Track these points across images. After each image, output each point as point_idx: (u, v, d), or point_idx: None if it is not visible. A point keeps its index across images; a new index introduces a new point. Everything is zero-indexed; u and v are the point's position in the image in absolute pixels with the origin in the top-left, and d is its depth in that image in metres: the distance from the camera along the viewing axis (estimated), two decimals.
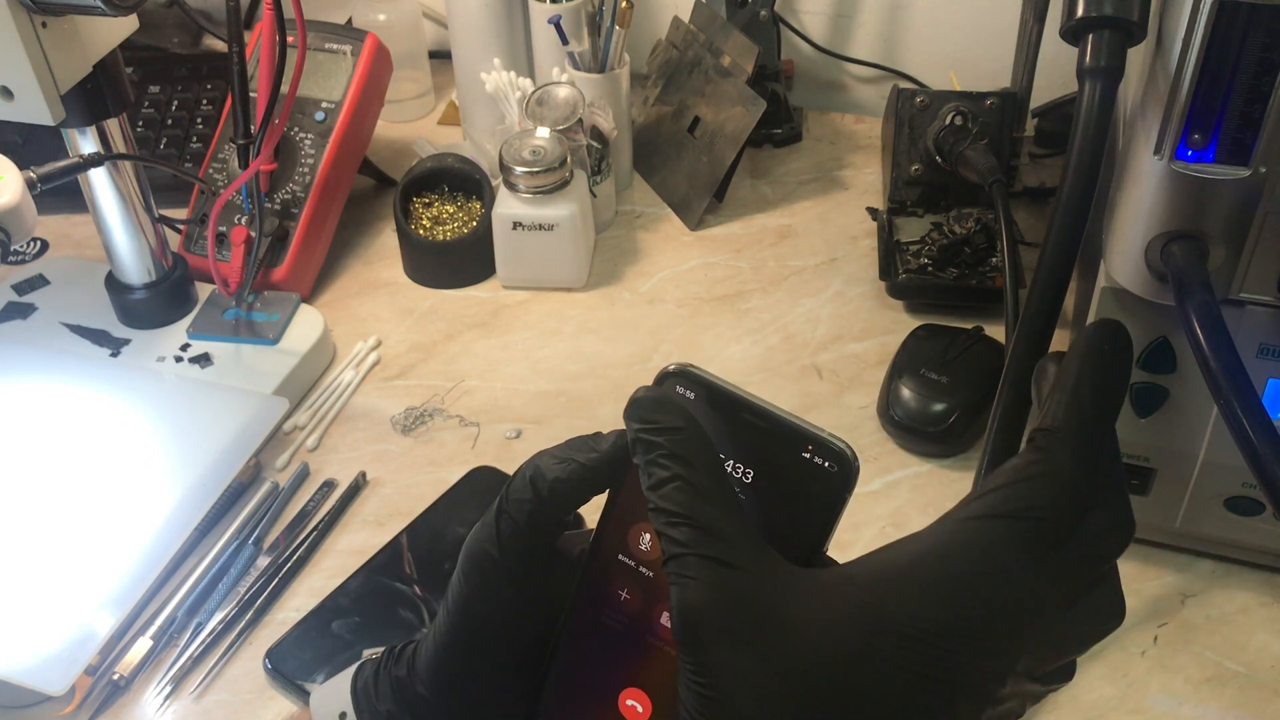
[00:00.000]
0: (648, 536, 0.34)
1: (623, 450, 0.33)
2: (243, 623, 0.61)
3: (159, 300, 0.77)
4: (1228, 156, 0.49)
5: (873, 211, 0.89)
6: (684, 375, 0.33)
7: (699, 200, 0.89)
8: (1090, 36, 0.49)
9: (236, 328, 0.77)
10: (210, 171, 0.84)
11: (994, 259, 0.80)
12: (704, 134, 0.90)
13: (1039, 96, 0.88)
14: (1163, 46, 0.50)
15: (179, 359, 0.75)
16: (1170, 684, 0.57)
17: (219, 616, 0.61)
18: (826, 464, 0.31)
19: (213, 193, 0.81)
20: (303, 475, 0.70)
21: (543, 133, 0.80)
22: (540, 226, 0.80)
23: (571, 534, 0.36)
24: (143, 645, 0.60)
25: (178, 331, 0.77)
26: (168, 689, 0.58)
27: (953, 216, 0.82)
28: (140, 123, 0.93)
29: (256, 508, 0.67)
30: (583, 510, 0.35)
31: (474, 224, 0.85)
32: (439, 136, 1.02)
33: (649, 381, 0.33)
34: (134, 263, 0.76)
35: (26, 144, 0.89)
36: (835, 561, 0.32)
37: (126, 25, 0.67)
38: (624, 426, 0.32)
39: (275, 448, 0.72)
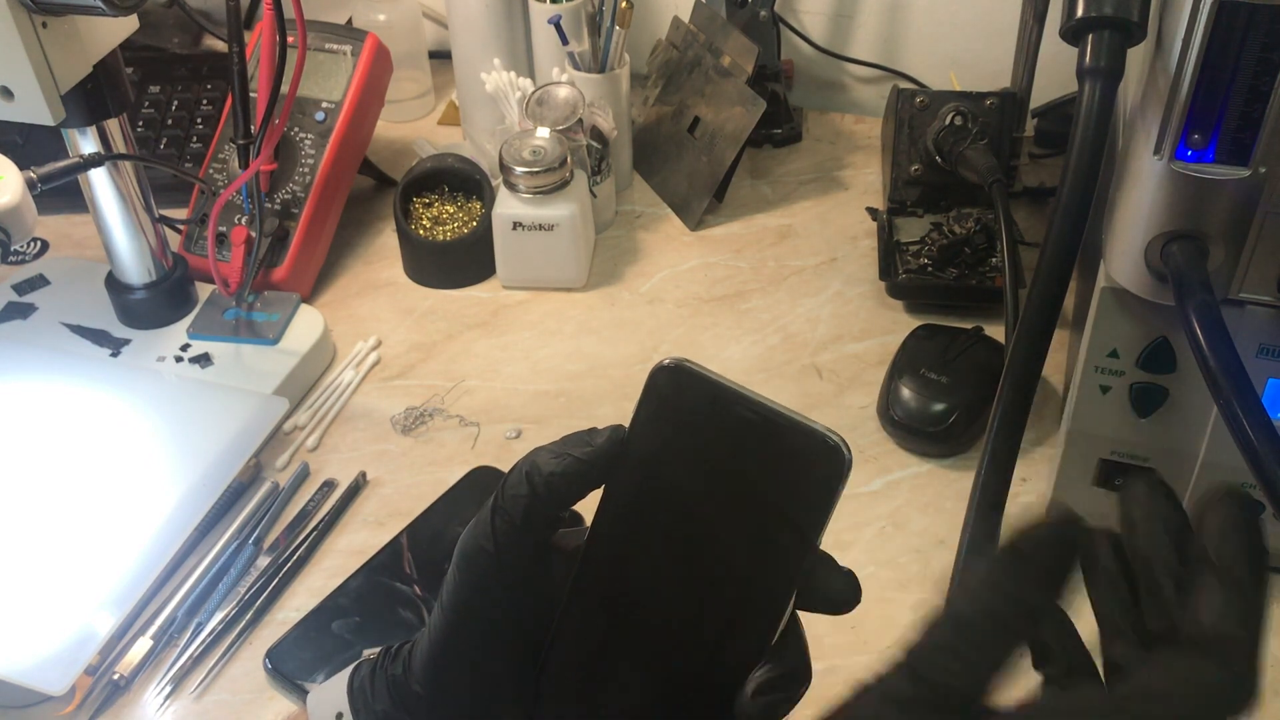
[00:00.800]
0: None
1: (618, 445, 0.33)
2: (243, 623, 0.61)
3: (159, 300, 0.77)
4: (1227, 156, 0.49)
5: (873, 211, 0.89)
6: (679, 370, 0.32)
7: (699, 200, 0.89)
8: (1090, 36, 0.49)
9: (236, 328, 0.77)
10: (210, 172, 0.84)
11: (994, 259, 0.80)
12: (704, 134, 0.90)
13: (1039, 96, 0.88)
14: (1163, 47, 0.50)
15: (179, 359, 0.75)
16: None
17: (219, 616, 0.61)
18: (820, 457, 0.31)
19: (213, 193, 0.81)
20: (303, 475, 0.70)
21: (543, 133, 0.80)
22: (540, 226, 0.80)
23: (567, 531, 0.36)
24: (143, 645, 0.60)
25: (178, 332, 0.77)
26: (168, 689, 0.58)
27: (953, 216, 0.82)
28: (140, 123, 0.93)
29: (256, 507, 0.67)
30: (579, 507, 0.35)
31: (474, 224, 0.85)
32: (439, 136, 1.02)
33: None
34: (134, 263, 0.76)
35: (27, 144, 0.89)
36: (830, 556, 0.32)
37: (127, 25, 0.67)
38: (619, 422, 0.33)
39: (275, 448, 0.72)
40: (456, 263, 0.85)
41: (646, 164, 0.95)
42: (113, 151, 0.70)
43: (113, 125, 0.69)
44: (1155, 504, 0.29)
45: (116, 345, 0.76)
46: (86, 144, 0.69)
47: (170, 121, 0.93)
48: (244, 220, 0.80)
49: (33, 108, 0.63)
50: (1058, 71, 0.88)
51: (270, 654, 0.59)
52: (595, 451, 0.33)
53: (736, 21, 0.93)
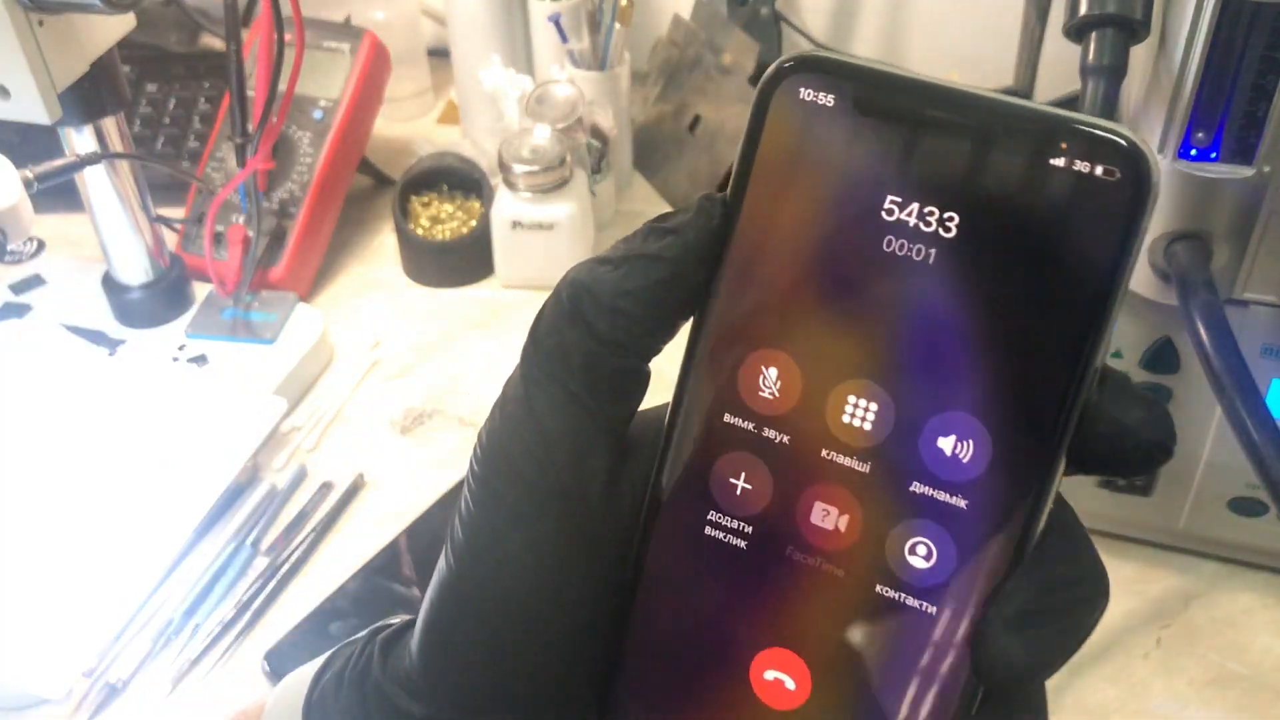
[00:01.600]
0: (775, 372, 0.22)
1: (716, 231, 0.22)
2: (241, 625, 0.61)
3: (156, 300, 0.77)
4: (1231, 155, 0.49)
5: None
6: (809, 66, 0.21)
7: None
8: (1093, 34, 0.48)
9: (234, 328, 0.77)
10: (208, 170, 0.84)
11: None
12: (705, 132, 0.89)
13: (1041, 95, 0.88)
14: (1166, 44, 0.49)
15: (176, 359, 0.75)
16: (1173, 686, 0.57)
17: (217, 618, 0.61)
18: (1099, 171, 0.19)
19: (210, 192, 0.80)
20: (300, 476, 0.69)
21: (542, 131, 0.80)
22: (540, 226, 0.80)
23: (643, 414, 0.24)
24: (140, 647, 0.59)
25: (175, 331, 0.77)
26: (165, 691, 0.58)
27: None
28: (137, 121, 0.92)
29: (254, 509, 0.67)
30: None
31: (473, 223, 0.84)
32: (438, 135, 1.01)
33: None
34: (131, 262, 0.75)
35: (23, 143, 0.88)
36: (1123, 375, 0.21)
37: (124, 23, 0.67)
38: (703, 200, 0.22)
39: (273, 448, 0.71)
40: (455, 262, 0.84)
41: (647, 163, 0.95)
42: (110, 150, 0.69)
43: (110, 124, 0.69)
44: None
45: (113, 345, 0.76)
46: (83, 142, 0.69)
47: (168, 120, 0.93)
48: (241, 219, 0.80)
49: (29, 106, 0.63)
50: (1060, 69, 0.88)
51: (269, 656, 0.58)
52: (682, 244, 0.22)
53: (737, 19, 0.92)
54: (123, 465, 0.66)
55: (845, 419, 0.21)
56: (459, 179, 0.87)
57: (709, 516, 0.23)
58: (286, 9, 0.72)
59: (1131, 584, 0.62)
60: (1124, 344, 0.57)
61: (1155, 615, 0.60)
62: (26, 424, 0.69)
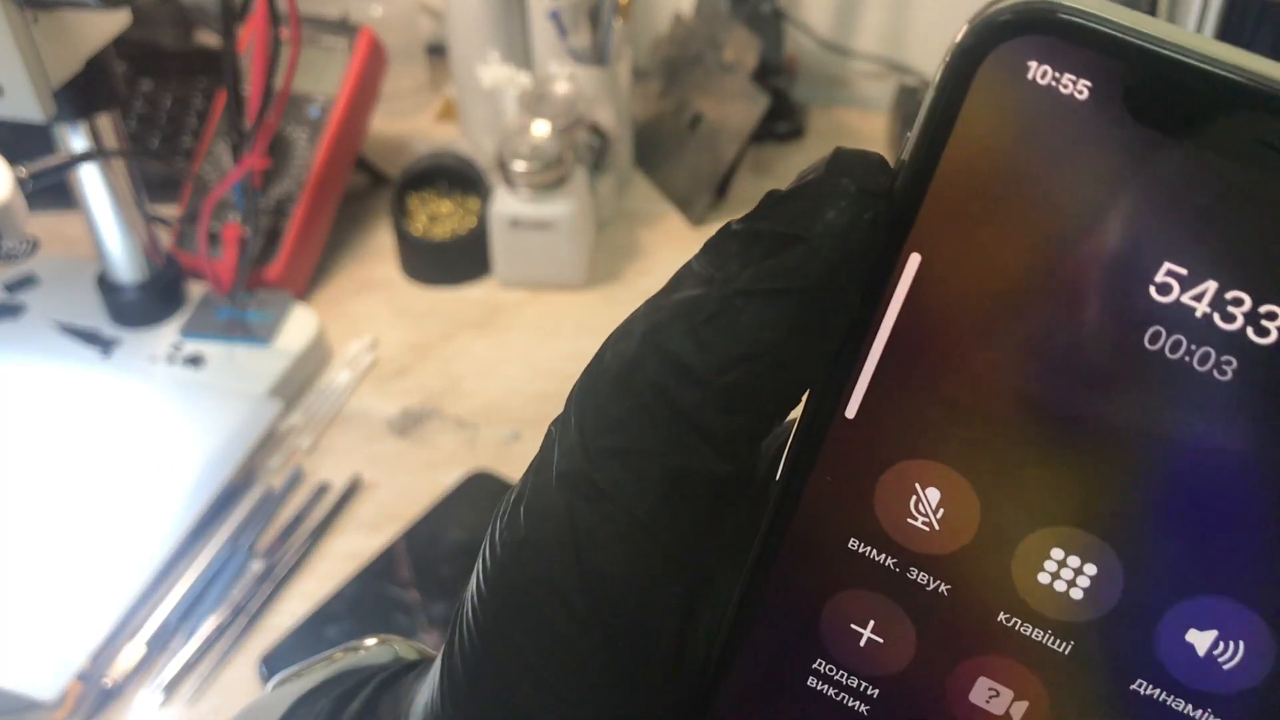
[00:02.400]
0: (936, 495, 0.15)
1: (872, 241, 0.15)
2: (236, 628, 0.60)
3: (151, 299, 0.76)
4: None
5: None
6: (1047, 23, 0.13)
7: (701, 197, 0.88)
8: None
9: (229, 327, 0.76)
10: (203, 168, 0.83)
11: None
12: (706, 130, 0.89)
13: None
14: None
15: (171, 359, 0.74)
16: None
17: (213, 622, 0.60)
18: None
19: (205, 190, 0.80)
20: (297, 478, 0.69)
21: (541, 128, 0.79)
22: (539, 224, 0.79)
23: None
24: (135, 651, 0.59)
25: (170, 331, 0.76)
26: (161, 695, 0.57)
27: None
28: (133, 119, 0.92)
29: (250, 511, 0.66)
30: None
31: (472, 222, 0.84)
32: (436, 133, 1.00)
33: None
34: (126, 261, 0.74)
35: (17, 140, 0.88)
36: None
37: (119, 20, 0.66)
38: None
39: (269, 450, 0.71)
40: (454, 261, 0.84)
41: (648, 160, 0.94)
42: (104, 148, 0.69)
43: (104, 121, 0.68)
44: None
45: (108, 345, 0.75)
46: (77, 140, 0.68)
47: (163, 118, 0.92)
48: (237, 218, 0.79)
49: (23, 104, 0.62)
50: None
51: (266, 660, 0.58)
52: (822, 263, 0.15)
53: (739, 16, 0.92)
54: (117, 466, 0.66)
55: (1043, 578, 0.15)
56: (457, 177, 0.86)
57: (815, 665, 0.17)
58: (282, 5, 0.72)
59: None
60: None
61: None
62: (19, 424, 0.69)
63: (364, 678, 0.22)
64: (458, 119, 0.99)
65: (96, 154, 0.68)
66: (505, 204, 0.79)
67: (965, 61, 0.14)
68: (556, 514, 0.16)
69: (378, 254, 0.87)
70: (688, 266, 0.16)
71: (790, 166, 0.95)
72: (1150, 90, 0.12)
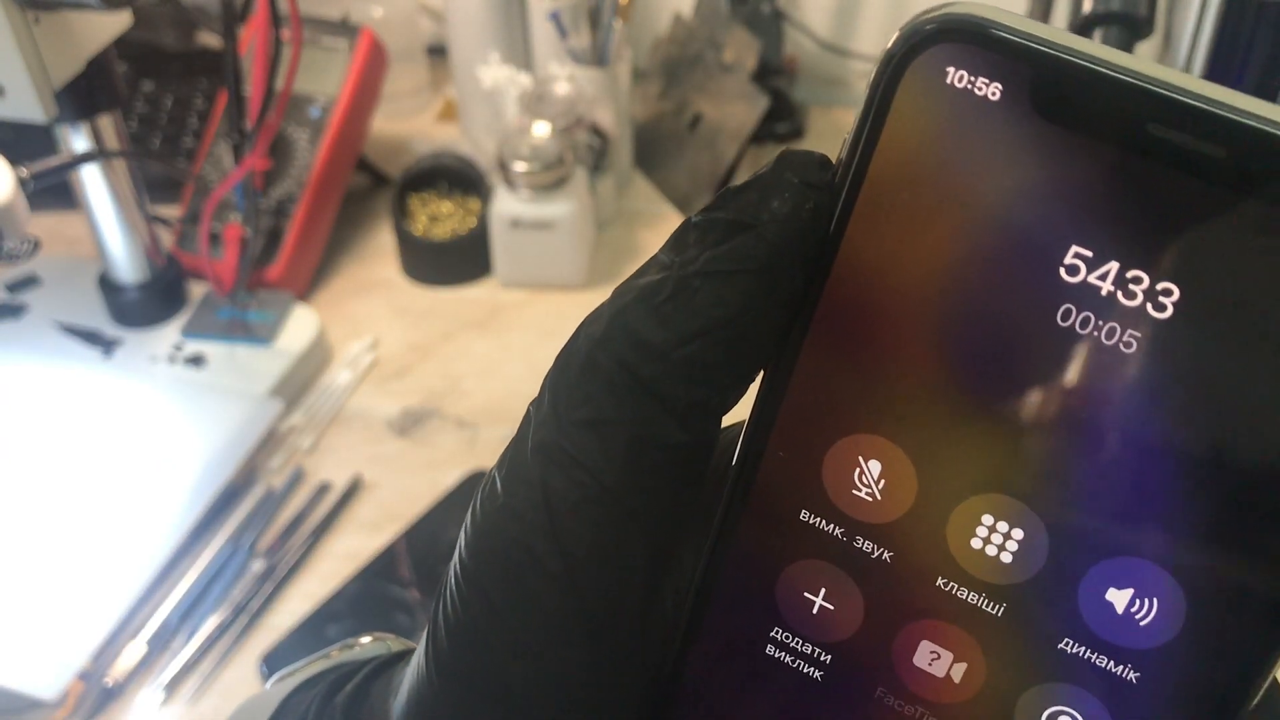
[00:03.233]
0: (878, 467, 0.16)
1: (814, 227, 0.16)
2: (237, 628, 0.60)
3: (152, 300, 0.76)
4: None
5: None
6: (965, 31, 0.14)
7: (701, 197, 0.89)
8: (1097, 32, 0.48)
9: (230, 328, 0.76)
10: (204, 169, 0.83)
11: None
12: (706, 130, 0.89)
13: None
14: (1171, 42, 0.49)
15: (172, 359, 0.74)
16: None
17: (213, 621, 0.60)
18: None
19: (206, 191, 0.80)
20: (297, 478, 0.69)
21: (542, 129, 0.79)
22: (539, 224, 0.79)
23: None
24: (136, 650, 0.59)
25: (171, 331, 0.76)
26: (161, 694, 0.57)
27: None
28: (134, 120, 0.92)
29: (251, 511, 0.66)
30: None
31: (472, 222, 0.84)
32: (436, 133, 1.01)
33: None
34: (127, 261, 0.75)
35: (19, 141, 0.88)
36: None
37: (120, 21, 0.66)
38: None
39: (269, 450, 0.71)
40: (454, 261, 0.84)
41: (648, 161, 0.95)
42: (106, 149, 0.69)
43: (105, 122, 0.68)
44: None
45: (109, 345, 0.76)
46: (79, 141, 0.68)
47: (164, 118, 0.92)
48: (238, 218, 0.80)
49: (25, 104, 0.63)
50: None
51: (267, 659, 0.58)
52: (766, 245, 0.16)
53: (738, 16, 0.92)
54: (118, 466, 0.66)
55: (975, 543, 0.16)
56: (458, 177, 0.86)
57: (772, 633, 0.18)
58: (283, 6, 0.72)
59: None
60: None
61: None
62: (21, 424, 0.69)
63: (357, 666, 0.23)
64: (458, 119, 1.00)
65: (98, 154, 0.68)
66: (506, 204, 0.79)
67: (894, 67, 0.15)
68: (531, 481, 0.17)
69: (378, 254, 0.87)
70: (654, 256, 0.18)
71: None
72: (1052, 90, 0.14)
